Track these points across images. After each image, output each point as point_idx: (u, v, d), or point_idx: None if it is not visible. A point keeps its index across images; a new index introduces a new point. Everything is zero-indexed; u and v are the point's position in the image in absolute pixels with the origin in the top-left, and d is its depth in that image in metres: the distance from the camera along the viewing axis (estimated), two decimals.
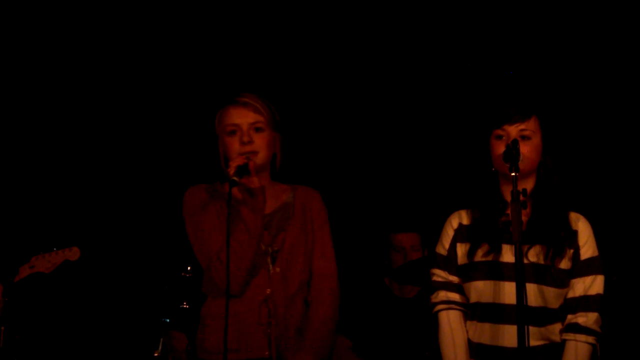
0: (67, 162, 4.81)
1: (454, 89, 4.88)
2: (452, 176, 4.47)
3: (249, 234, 2.76)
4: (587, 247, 2.76)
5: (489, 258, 2.75)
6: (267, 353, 2.76)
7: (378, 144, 5.03)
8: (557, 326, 2.75)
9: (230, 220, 2.74)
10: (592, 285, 2.73)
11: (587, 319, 2.71)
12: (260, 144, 2.83)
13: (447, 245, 2.87)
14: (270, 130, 2.88)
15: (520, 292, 2.44)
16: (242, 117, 2.84)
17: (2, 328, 3.76)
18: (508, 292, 2.69)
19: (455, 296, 2.83)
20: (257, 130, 2.84)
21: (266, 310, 2.77)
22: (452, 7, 4.70)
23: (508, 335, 2.68)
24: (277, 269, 2.82)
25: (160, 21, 4.76)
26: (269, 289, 2.80)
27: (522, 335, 2.42)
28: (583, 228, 2.78)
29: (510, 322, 2.67)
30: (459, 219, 2.88)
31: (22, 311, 4.11)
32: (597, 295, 2.73)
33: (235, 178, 2.68)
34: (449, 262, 2.85)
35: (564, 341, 2.73)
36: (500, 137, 2.77)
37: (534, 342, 2.64)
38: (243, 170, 2.73)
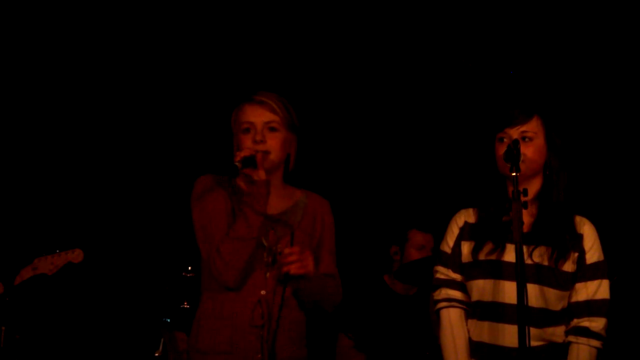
0: (71, 164, 4.83)
1: (464, 92, 4.90)
2: (462, 177, 4.49)
3: (249, 226, 2.71)
4: (593, 252, 2.75)
5: (493, 257, 2.74)
6: (259, 356, 2.72)
7: (400, 146, 5.07)
8: (558, 328, 2.73)
9: (232, 211, 2.75)
10: (598, 290, 2.72)
11: (596, 324, 2.70)
12: (273, 144, 2.79)
13: (451, 243, 2.86)
14: (285, 130, 2.83)
15: (521, 292, 2.43)
16: (257, 116, 2.80)
17: (3, 328, 3.77)
18: (509, 291, 2.68)
19: (457, 294, 2.82)
20: (271, 129, 2.80)
21: (260, 312, 2.74)
22: (455, 12, 4.72)
23: (508, 335, 2.68)
24: (268, 274, 2.78)
25: (188, 21, 4.79)
26: (263, 290, 2.76)
27: (522, 335, 2.41)
28: (588, 232, 2.77)
29: (511, 322, 2.66)
30: (465, 217, 2.87)
31: (23, 312, 4.11)
32: (604, 300, 2.73)
33: (237, 164, 2.65)
34: (452, 260, 2.84)
35: (567, 343, 2.72)
36: (502, 140, 2.77)
37: (533, 343, 2.62)
38: (249, 161, 2.70)
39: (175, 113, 4.87)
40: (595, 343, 2.69)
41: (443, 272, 2.86)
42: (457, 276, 2.83)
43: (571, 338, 2.71)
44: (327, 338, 4.28)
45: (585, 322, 2.70)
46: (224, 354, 2.72)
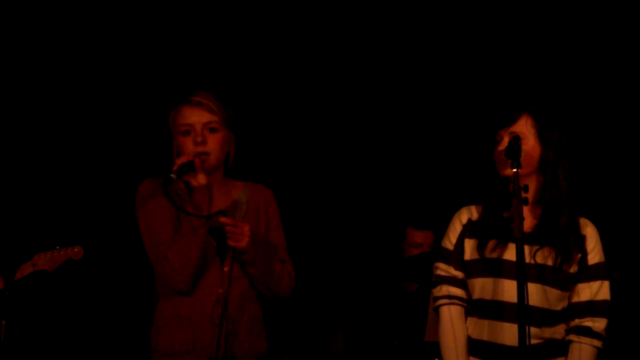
0: (73, 161, 4.83)
1: (460, 92, 4.91)
2: (467, 175, 4.50)
3: (194, 231, 2.72)
4: (595, 253, 2.75)
5: (495, 255, 2.74)
6: (220, 353, 2.74)
7: (403, 144, 5.09)
8: (557, 328, 2.74)
9: (177, 216, 2.76)
10: (599, 290, 2.73)
11: (598, 324, 2.70)
12: (213, 145, 2.79)
13: (454, 240, 2.85)
14: (224, 130, 2.84)
15: (522, 290, 2.42)
16: (196, 117, 2.79)
17: (4, 322, 3.77)
18: (509, 290, 2.68)
19: (457, 291, 2.82)
20: (211, 130, 2.80)
21: (218, 310, 2.76)
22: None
23: (507, 333, 2.68)
24: (226, 268, 2.80)
25: (115, 18, 4.75)
26: (220, 289, 2.78)
27: (522, 334, 2.41)
28: (591, 233, 2.77)
29: (510, 320, 2.67)
30: (468, 214, 2.87)
31: (23, 307, 4.11)
32: (605, 301, 2.73)
33: (172, 175, 2.63)
34: (454, 257, 2.84)
35: (566, 341, 2.73)
36: (497, 142, 2.79)
37: (532, 341, 2.62)
38: (186, 168, 2.70)
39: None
40: (597, 343, 2.70)
41: (444, 269, 2.85)
42: (458, 273, 2.83)
43: (573, 337, 2.71)
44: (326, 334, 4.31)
45: (588, 322, 2.71)
46: (185, 353, 2.74)
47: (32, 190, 4.75)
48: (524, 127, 2.75)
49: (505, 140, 2.73)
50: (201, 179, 2.73)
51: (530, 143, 2.75)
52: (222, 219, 2.71)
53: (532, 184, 2.76)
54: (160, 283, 2.86)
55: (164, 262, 2.73)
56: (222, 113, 2.83)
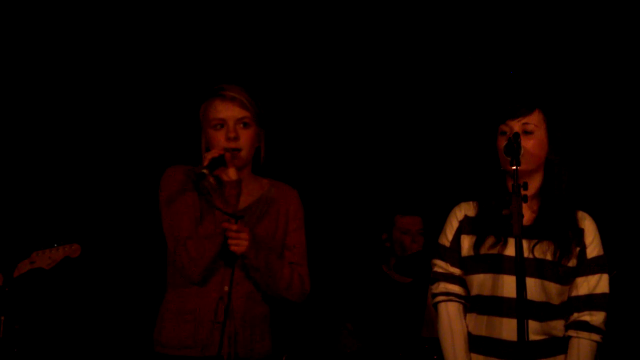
0: (70, 158, 4.83)
1: (467, 85, 4.91)
2: (460, 167, 4.50)
3: (217, 226, 2.72)
4: (594, 246, 2.75)
5: (494, 251, 2.73)
6: (223, 351, 2.75)
7: (392, 132, 5.08)
8: (558, 322, 2.74)
9: (201, 208, 2.77)
10: (598, 284, 2.73)
11: (596, 317, 2.70)
12: (245, 140, 2.81)
13: (450, 237, 2.85)
14: (255, 125, 2.85)
15: (520, 286, 2.43)
16: (229, 112, 2.80)
17: (2, 318, 3.78)
18: (509, 285, 2.68)
19: (455, 288, 2.82)
20: (244, 125, 2.81)
21: (222, 308, 2.76)
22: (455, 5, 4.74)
23: (506, 328, 2.68)
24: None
25: (144, 13, 4.75)
26: (226, 287, 2.78)
27: (521, 329, 2.41)
28: (589, 227, 2.77)
29: (510, 315, 2.66)
30: (465, 210, 2.86)
31: (22, 304, 4.11)
32: (603, 294, 2.73)
33: (204, 171, 2.64)
34: (451, 254, 2.83)
35: (567, 337, 2.72)
36: (504, 133, 2.75)
37: (533, 337, 2.64)
38: (217, 162, 2.70)
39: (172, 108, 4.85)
40: (596, 337, 2.70)
41: (441, 266, 2.85)
42: (455, 270, 2.83)
43: (571, 332, 2.71)
44: (329, 331, 4.31)
45: (586, 316, 2.70)
46: (186, 348, 2.75)
47: (30, 188, 4.75)
48: (537, 121, 2.75)
49: (515, 131, 2.69)
50: (232, 173, 2.74)
51: (539, 138, 2.75)
52: (225, 225, 2.71)
53: (535, 180, 2.77)
54: (172, 274, 2.86)
55: (182, 249, 2.74)
56: (254, 108, 2.83)
